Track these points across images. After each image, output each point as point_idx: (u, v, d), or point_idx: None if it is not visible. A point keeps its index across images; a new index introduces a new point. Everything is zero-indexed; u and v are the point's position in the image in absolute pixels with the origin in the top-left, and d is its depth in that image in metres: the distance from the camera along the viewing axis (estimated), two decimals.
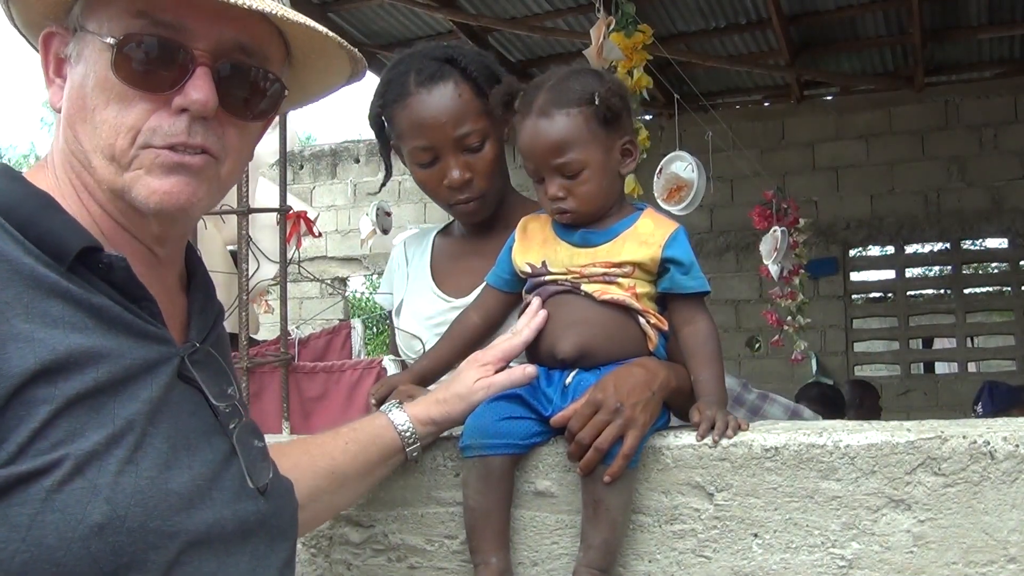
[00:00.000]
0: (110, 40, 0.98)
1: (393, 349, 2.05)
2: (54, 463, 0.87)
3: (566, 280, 1.43)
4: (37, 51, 1.09)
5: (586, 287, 1.41)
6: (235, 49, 1.03)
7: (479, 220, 1.82)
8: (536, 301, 1.45)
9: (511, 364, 1.46)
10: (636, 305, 1.40)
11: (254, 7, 0.98)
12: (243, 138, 1.08)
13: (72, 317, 0.94)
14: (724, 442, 1.31)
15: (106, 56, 0.99)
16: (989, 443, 1.22)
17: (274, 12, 1.00)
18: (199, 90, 1.00)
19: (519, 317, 1.49)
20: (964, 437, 1.23)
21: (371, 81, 1.91)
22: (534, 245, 1.49)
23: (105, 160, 1.01)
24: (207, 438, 1.03)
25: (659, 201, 5.27)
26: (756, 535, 1.29)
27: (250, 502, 1.06)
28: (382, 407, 1.44)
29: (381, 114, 1.80)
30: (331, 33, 1.07)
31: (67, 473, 0.87)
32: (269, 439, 1.55)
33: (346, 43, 1.10)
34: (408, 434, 1.39)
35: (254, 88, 1.06)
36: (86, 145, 1.02)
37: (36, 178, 1.05)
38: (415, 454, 1.41)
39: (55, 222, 0.98)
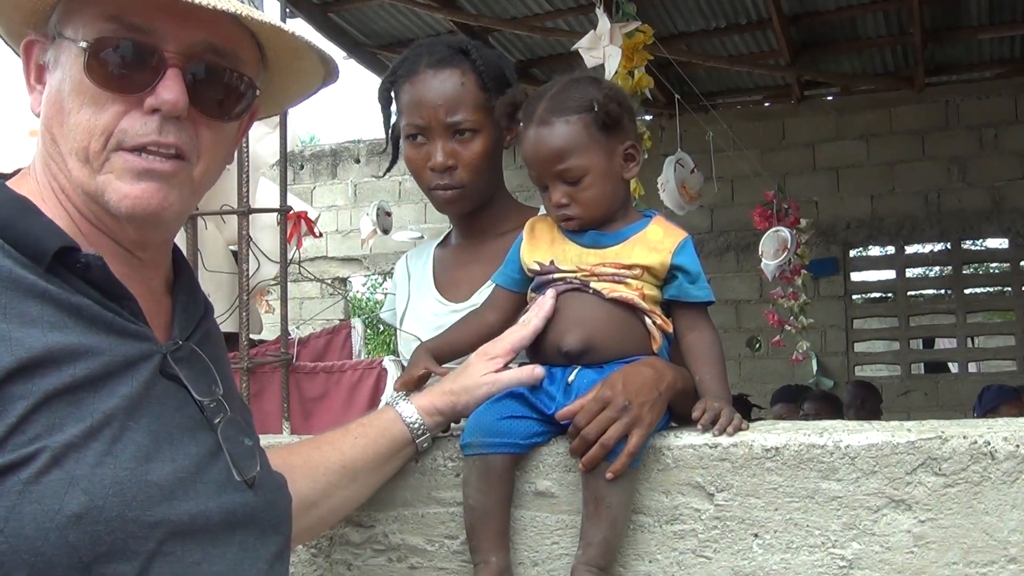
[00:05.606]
0: (83, 44, 1.01)
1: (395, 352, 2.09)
2: (31, 456, 0.88)
3: (575, 278, 1.44)
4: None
5: (595, 285, 1.43)
6: (206, 51, 1.05)
7: (456, 211, 1.86)
8: (550, 292, 1.45)
9: (520, 362, 1.46)
10: (643, 305, 1.41)
11: (219, 7, 0.99)
12: (217, 139, 1.10)
13: (51, 316, 0.95)
14: (724, 442, 1.31)
15: (80, 60, 1.01)
16: (990, 443, 1.22)
17: (240, 13, 1.02)
18: (169, 90, 1.02)
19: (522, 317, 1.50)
20: (964, 437, 1.23)
21: (375, 83, 1.94)
22: (542, 244, 1.51)
23: (79, 162, 1.03)
24: (191, 433, 1.05)
25: (681, 201, 5.35)
26: (756, 535, 1.29)
27: (237, 494, 1.07)
28: (389, 400, 1.45)
29: (390, 89, 1.85)
30: (297, 33, 1.09)
31: (44, 465, 0.89)
32: (277, 440, 1.56)
33: (314, 43, 1.12)
34: (416, 425, 1.41)
35: (226, 89, 1.08)
36: (63, 147, 1.04)
37: (19, 184, 1.07)
38: (425, 444, 1.42)
39: (33, 225, 1.00)
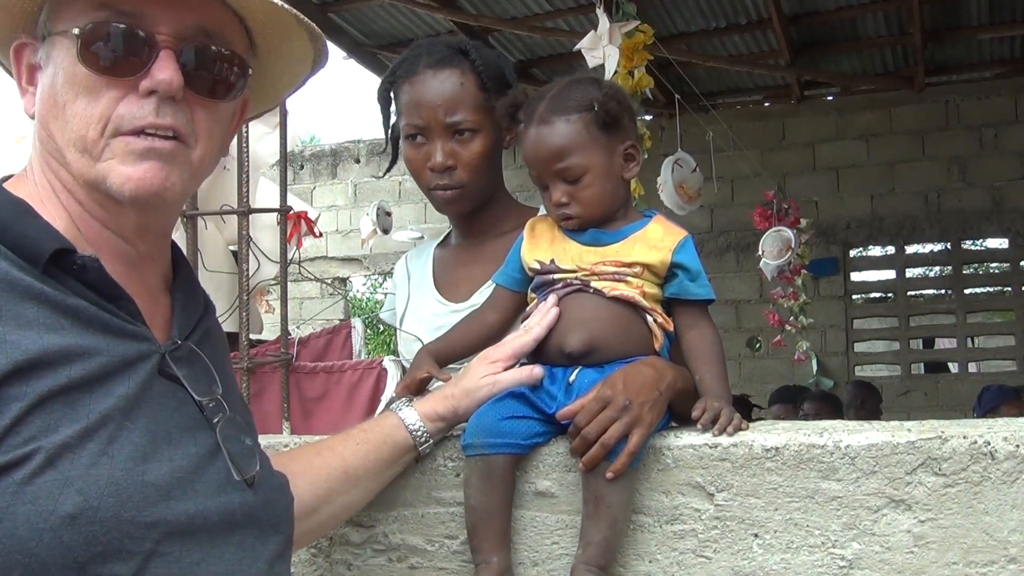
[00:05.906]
0: (75, 31, 1.02)
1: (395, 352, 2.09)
2: (26, 456, 0.89)
3: (576, 277, 1.44)
4: (8, 71, 1.13)
5: (596, 284, 1.43)
6: (198, 33, 1.06)
7: (455, 211, 1.87)
8: (552, 298, 1.45)
9: (522, 362, 1.46)
10: (644, 303, 1.42)
11: None
12: (213, 120, 1.11)
13: (47, 318, 0.95)
14: (724, 442, 1.31)
15: (72, 50, 1.02)
16: (990, 443, 1.22)
17: None
18: (163, 71, 1.02)
19: (522, 321, 1.50)
20: (964, 437, 1.23)
21: (375, 83, 1.94)
22: (543, 243, 1.51)
23: (78, 152, 1.03)
24: (190, 433, 1.05)
25: (680, 201, 5.36)
26: (756, 535, 1.29)
27: (236, 494, 1.07)
28: (392, 406, 1.45)
29: (390, 89, 1.86)
30: (285, 5, 1.10)
31: (39, 466, 0.89)
32: (278, 440, 1.56)
33: (301, 16, 1.12)
34: (419, 432, 1.41)
35: (219, 68, 1.09)
36: (60, 141, 1.04)
37: (16, 186, 1.08)
38: (427, 451, 1.42)
39: (29, 227, 1.00)
